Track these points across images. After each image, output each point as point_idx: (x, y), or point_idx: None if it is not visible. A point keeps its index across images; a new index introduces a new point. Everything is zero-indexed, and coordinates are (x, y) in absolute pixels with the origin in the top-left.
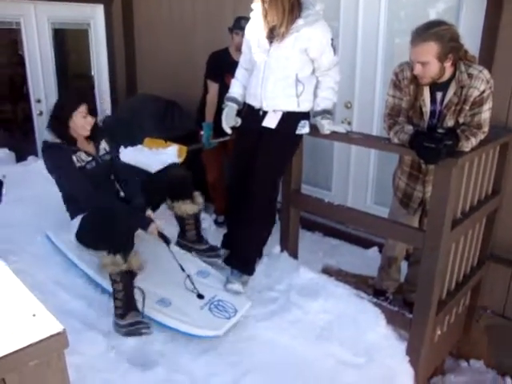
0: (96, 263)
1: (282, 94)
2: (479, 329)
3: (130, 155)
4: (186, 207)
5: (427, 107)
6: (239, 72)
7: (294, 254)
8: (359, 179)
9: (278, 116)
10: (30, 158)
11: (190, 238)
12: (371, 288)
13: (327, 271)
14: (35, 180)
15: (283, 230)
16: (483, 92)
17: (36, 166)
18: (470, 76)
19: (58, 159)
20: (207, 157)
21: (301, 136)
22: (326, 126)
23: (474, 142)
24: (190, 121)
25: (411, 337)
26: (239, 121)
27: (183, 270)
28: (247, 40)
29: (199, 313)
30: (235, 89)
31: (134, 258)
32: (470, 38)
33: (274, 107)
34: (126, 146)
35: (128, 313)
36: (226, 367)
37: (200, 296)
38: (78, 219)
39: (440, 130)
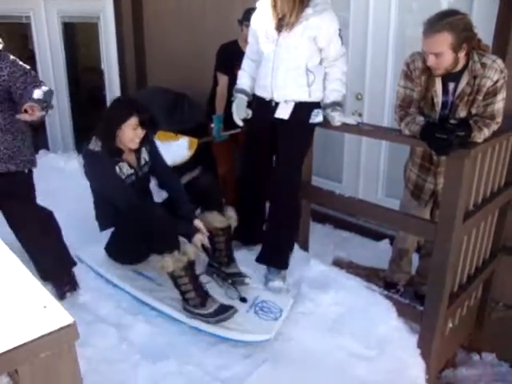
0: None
1: (293, 84)
2: (491, 322)
3: None
4: (214, 218)
5: (439, 98)
6: (246, 63)
7: (305, 247)
8: (370, 171)
9: (290, 106)
10: (41, 152)
11: (219, 258)
12: (382, 280)
13: (338, 263)
14: (47, 174)
15: None
16: (497, 82)
17: (47, 159)
18: (483, 66)
19: (100, 164)
20: (218, 149)
21: (315, 125)
22: (337, 117)
23: (486, 132)
24: (200, 113)
25: (422, 329)
26: (250, 112)
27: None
28: (253, 30)
29: (245, 317)
30: (243, 80)
31: (187, 247)
32: (484, 28)
33: (285, 97)
34: None
35: (206, 299)
36: (238, 359)
37: (243, 299)
38: (107, 233)
39: (452, 121)
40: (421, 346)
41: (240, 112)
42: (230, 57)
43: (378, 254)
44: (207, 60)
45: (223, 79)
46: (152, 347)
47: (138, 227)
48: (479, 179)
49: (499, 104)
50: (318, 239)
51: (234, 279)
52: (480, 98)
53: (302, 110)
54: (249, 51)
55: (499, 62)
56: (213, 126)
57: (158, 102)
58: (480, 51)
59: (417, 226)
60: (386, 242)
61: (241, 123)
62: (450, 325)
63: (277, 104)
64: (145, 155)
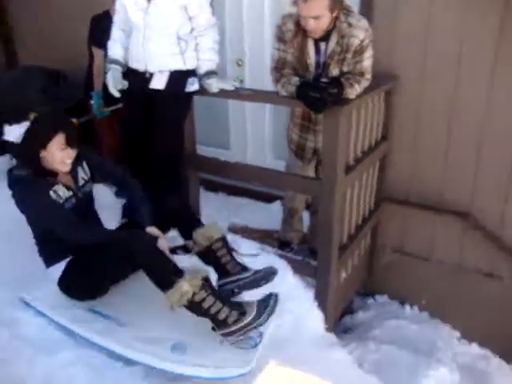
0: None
1: (166, 53)
2: (381, 266)
3: (15, 133)
4: (210, 231)
5: (312, 59)
6: (116, 33)
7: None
8: (257, 135)
9: (165, 76)
10: None
11: (231, 268)
12: (277, 241)
13: (233, 229)
14: None
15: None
16: (363, 40)
17: None
18: (349, 25)
19: (32, 192)
20: (100, 127)
21: (191, 94)
22: (214, 84)
23: (358, 89)
24: (78, 91)
25: (317, 283)
26: (126, 83)
27: None
28: None
29: (221, 349)
30: (115, 50)
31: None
32: None
33: (159, 67)
34: (10, 123)
35: (241, 305)
36: None
37: (215, 328)
38: (58, 266)
39: (324, 80)
40: (317, 298)
41: (116, 83)
42: (103, 29)
43: (271, 215)
44: (82, 33)
45: (99, 53)
46: (46, 340)
47: (123, 262)
48: (357, 134)
49: (367, 61)
50: (212, 208)
51: (262, 274)
52: (349, 56)
53: (178, 78)
54: (117, 20)
55: (364, 21)
56: (92, 102)
57: (32, 81)
58: (345, 11)
59: (302, 184)
60: (277, 204)
61: (117, 94)
62: (344, 275)
63: (151, 75)
64: (83, 174)
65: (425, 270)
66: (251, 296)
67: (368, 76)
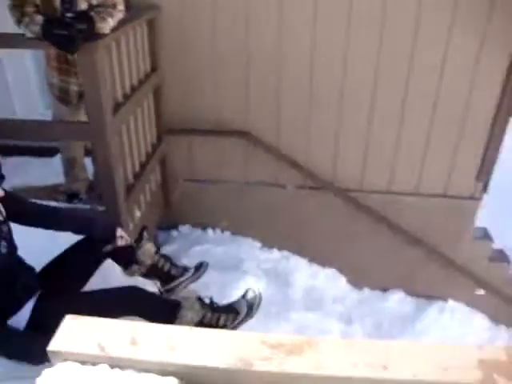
0: None
1: None
2: (178, 197)
3: None
4: (149, 247)
5: None
6: None
7: None
8: (21, 87)
9: None
10: None
11: (176, 273)
12: (64, 194)
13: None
14: None
15: None
16: None
17: None
18: None
19: None
20: None
21: None
22: None
23: (111, 22)
24: None
25: None
26: None
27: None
28: None
29: None
30: None
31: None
32: None
33: None
34: None
35: (234, 309)
36: None
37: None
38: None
39: (69, 15)
40: None
41: None
42: None
43: (54, 169)
44: None
45: None
46: None
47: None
48: (121, 69)
49: None
50: None
51: (202, 271)
52: None
53: None
54: None
55: None
56: None
57: None
58: None
59: (70, 131)
60: (59, 157)
61: None
62: (138, 213)
63: None
64: None
65: (217, 193)
66: None
67: (120, 7)
